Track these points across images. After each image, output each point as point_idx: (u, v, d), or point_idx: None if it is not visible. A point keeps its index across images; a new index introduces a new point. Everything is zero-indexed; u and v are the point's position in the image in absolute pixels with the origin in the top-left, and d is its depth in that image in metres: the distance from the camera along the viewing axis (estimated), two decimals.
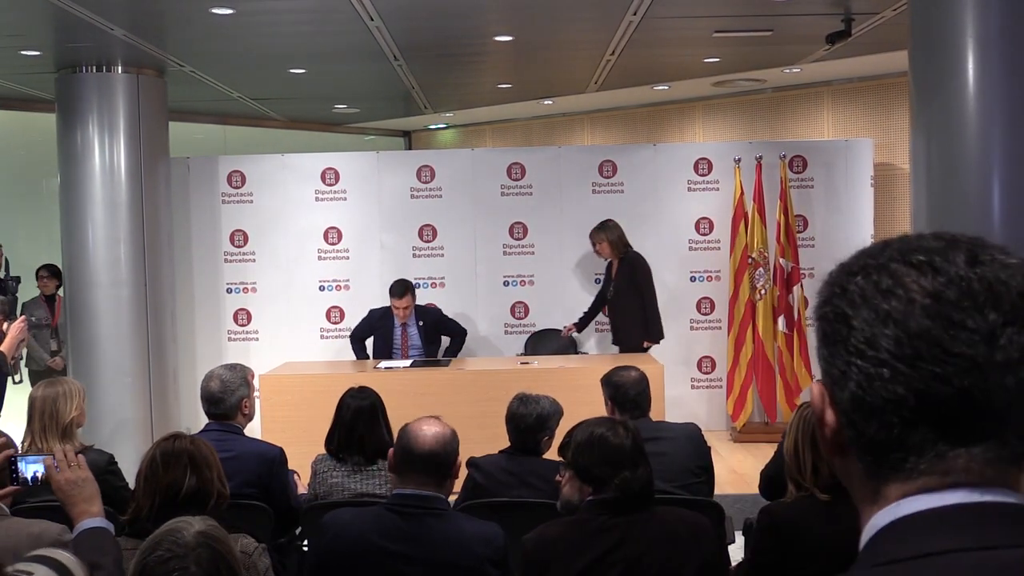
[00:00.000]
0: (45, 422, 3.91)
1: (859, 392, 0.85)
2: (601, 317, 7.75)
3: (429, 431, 2.96)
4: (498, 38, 6.76)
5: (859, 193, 8.09)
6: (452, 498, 3.18)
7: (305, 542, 4.03)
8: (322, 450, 4.15)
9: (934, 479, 0.84)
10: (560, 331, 7.75)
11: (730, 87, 9.20)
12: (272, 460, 4.03)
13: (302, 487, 4.39)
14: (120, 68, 7.12)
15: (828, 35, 6.45)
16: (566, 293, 8.11)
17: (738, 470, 6.78)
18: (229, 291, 8.22)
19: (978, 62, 4.25)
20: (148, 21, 6.12)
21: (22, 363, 7.32)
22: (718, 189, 8.07)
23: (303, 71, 7.72)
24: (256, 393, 4.66)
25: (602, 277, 7.74)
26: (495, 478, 3.89)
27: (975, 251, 0.86)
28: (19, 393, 5.44)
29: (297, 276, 8.20)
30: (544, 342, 7.91)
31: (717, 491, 4.29)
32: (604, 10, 6.02)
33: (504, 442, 4.07)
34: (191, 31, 6.32)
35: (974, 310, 0.82)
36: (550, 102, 10.02)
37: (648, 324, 7.20)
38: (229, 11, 5.64)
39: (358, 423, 4.08)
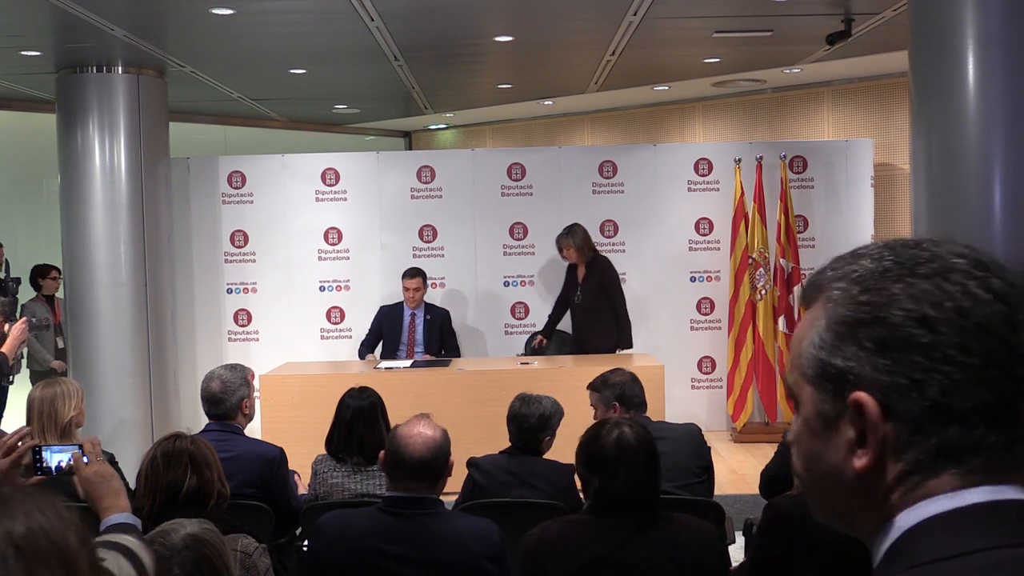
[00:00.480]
0: (44, 422, 3.91)
1: (943, 399, 0.83)
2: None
3: (419, 437, 2.93)
4: (498, 38, 6.75)
5: (859, 193, 8.09)
6: (451, 496, 3.18)
7: (305, 542, 4.03)
8: (322, 450, 4.15)
9: (996, 475, 0.84)
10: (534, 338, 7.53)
11: (730, 87, 9.20)
12: (272, 460, 4.03)
13: (302, 487, 4.39)
14: (120, 68, 7.12)
15: (828, 35, 6.45)
16: None
17: (738, 470, 6.78)
18: (229, 291, 8.22)
19: (978, 62, 4.25)
20: (148, 22, 6.12)
21: (23, 363, 7.33)
22: (718, 189, 8.07)
23: (303, 71, 7.72)
24: (256, 393, 4.67)
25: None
26: (495, 478, 3.89)
27: (981, 260, 0.88)
28: (19, 393, 5.44)
29: (297, 276, 8.19)
30: None
31: (717, 491, 4.31)
32: (604, 10, 6.02)
33: (504, 442, 4.07)
34: (191, 31, 6.32)
35: None
36: (550, 102, 10.01)
37: (620, 330, 7.06)
38: (229, 11, 5.64)
39: (358, 423, 4.08)
